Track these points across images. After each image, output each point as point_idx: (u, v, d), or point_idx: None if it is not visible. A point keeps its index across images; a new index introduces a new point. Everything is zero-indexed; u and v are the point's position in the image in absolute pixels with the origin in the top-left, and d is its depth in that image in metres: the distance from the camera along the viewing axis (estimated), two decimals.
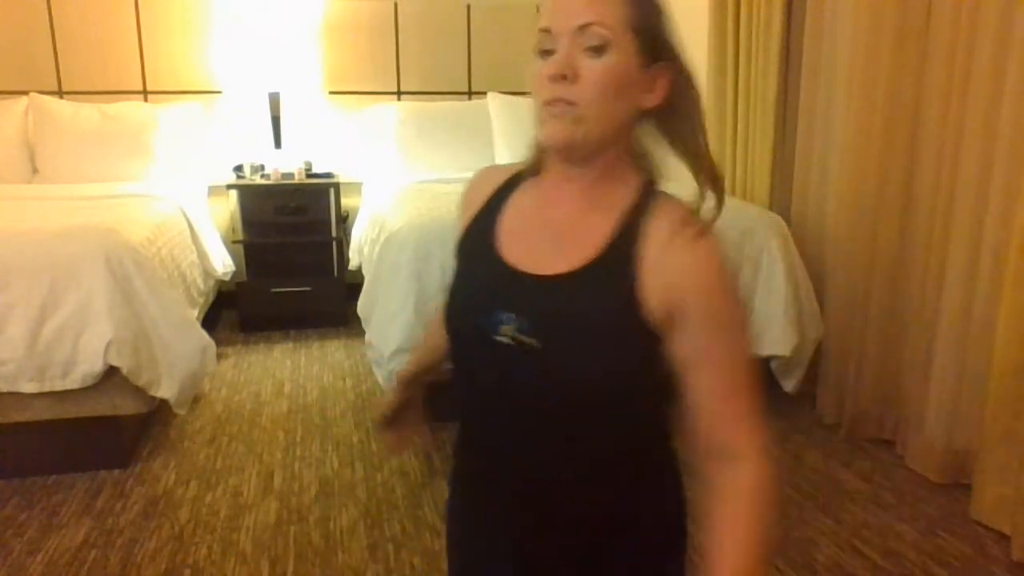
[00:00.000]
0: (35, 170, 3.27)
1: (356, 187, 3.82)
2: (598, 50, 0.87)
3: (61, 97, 3.46)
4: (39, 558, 1.76)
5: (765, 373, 2.54)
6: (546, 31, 0.89)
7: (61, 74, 3.48)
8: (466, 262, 1.01)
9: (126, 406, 2.12)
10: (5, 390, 2.01)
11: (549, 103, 0.89)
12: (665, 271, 0.89)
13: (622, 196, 0.95)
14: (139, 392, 2.12)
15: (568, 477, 0.95)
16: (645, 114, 0.94)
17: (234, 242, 3.51)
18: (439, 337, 1.09)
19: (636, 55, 0.89)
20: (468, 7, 3.85)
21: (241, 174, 3.60)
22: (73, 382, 2.02)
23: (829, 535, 1.85)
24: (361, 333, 2.68)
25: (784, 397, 2.56)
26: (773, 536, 0.99)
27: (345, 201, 3.79)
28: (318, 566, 1.73)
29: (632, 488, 1.00)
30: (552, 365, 0.88)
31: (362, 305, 2.53)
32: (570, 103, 0.88)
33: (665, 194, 0.95)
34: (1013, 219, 1.78)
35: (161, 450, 2.32)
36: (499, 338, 0.90)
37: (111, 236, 2.15)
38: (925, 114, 2.13)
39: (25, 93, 3.38)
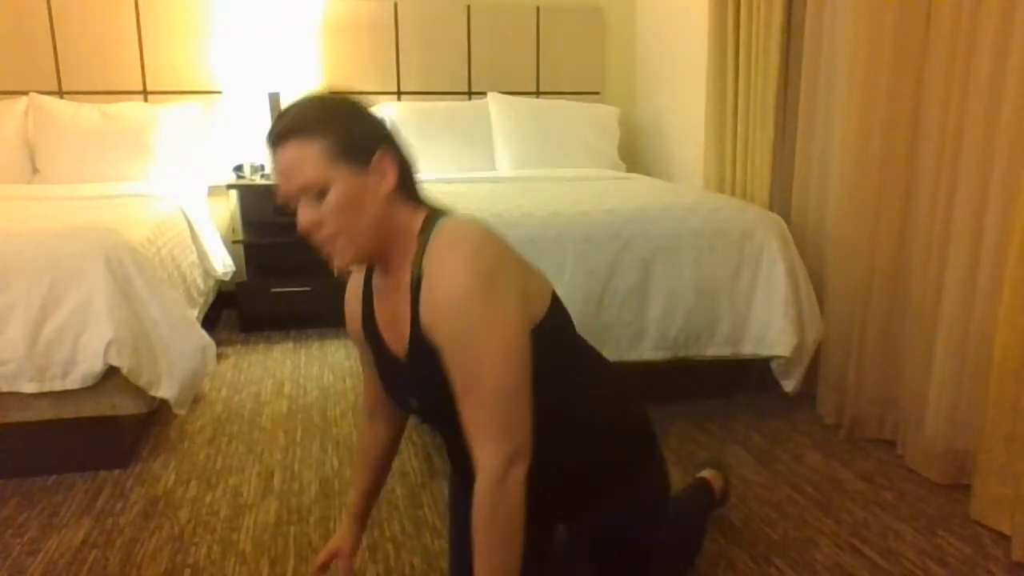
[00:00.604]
0: (35, 170, 3.27)
1: None
2: (321, 194, 1.06)
3: (61, 97, 3.46)
4: (39, 558, 1.76)
5: (765, 373, 2.54)
6: (283, 199, 1.09)
7: (61, 74, 3.48)
8: (373, 350, 1.27)
9: (126, 406, 2.12)
10: (5, 390, 2.01)
11: (321, 246, 1.11)
12: (428, 312, 1.08)
13: (410, 256, 1.13)
14: (139, 392, 2.12)
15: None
16: (392, 193, 1.12)
17: (234, 242, 3.51)
18: (373, 450, 1.42)
19: (351, 170, 1.07)
20: (468, 7, 3.85)
21: (241, 174, 3.60)
22: (73, 382, 2.02)
23: (829, 535, 1.85)
24: None
25: (784, 397, 2.57)
26: (507, 559, 1.09)
27: None
28: None
29: (565, 445, 1.25)
30: (445, 408, 1.13)
31: None
32: (332, 238, 1.09)
33: (440, 226, 1.11)
34: (1013, 219, 1.78)
35: (161, 450, 2.32)
36: (414, 409, 1.26)
37: (111, 236, 2.16)
38: (925, 114, 2.13)
39: (25, 93, 3.38)
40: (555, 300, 1.23)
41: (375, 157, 1.09)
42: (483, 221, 1.15)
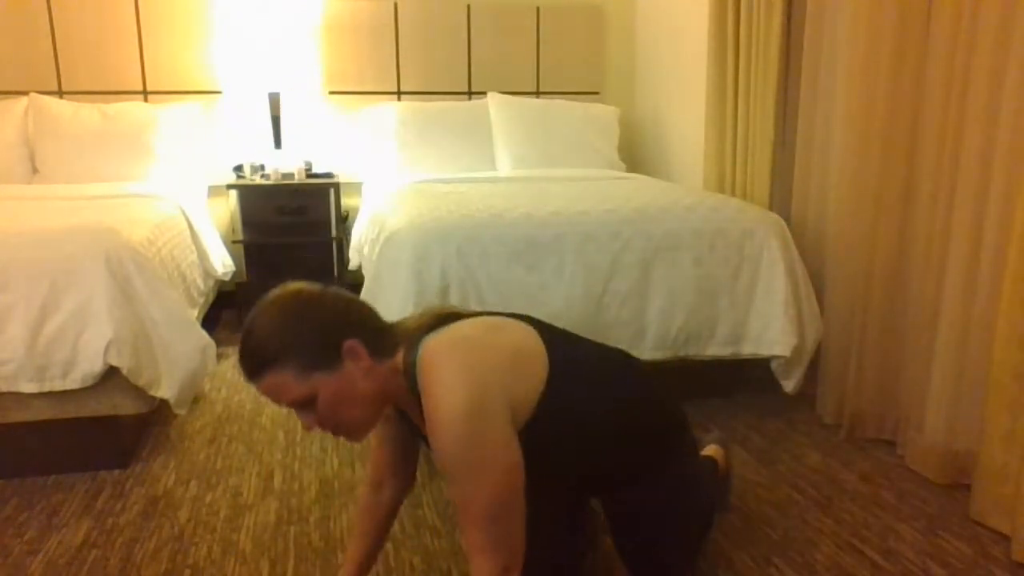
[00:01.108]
0: (35, 170, 3.27)
1: (356, 187, 3.83)
2: (308, 404, 1.16)
3: (61, 97, 3.46)
4: (39, 558, 1.76)
5: (765, 373, 2.54)
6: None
7: (61, 74, 3.48)
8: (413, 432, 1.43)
9: (126, 406, 2.12)
10: (5, 390, 2.01)
11: (334, 435, 1.23)
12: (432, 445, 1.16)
13: (406, 394, 1.23)
14: (139, 392, 2.12)
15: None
16: (369, 365, 1.19)
17: (234, 242, 3.51)
18: (374, 518, 1.46)
19: (327, 374, 1.15)
20: (468, 7, 3.85)
21: (241, 174, 3.60)
22: (73, 382, 2.02)
23: (829, 535, 1.85)
24: None
25: (784, 397, 2.57)
26: None
27: (345, 201, 3.79)
28: (318, 566, 1.73)
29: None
30: None
31: None
32: (337, 429, 1.20)
33: (420, 362, 1.19)
34: (1013, 219, 1.78)
35: (161, 450, 2.32)
36: None
37: (111, 236, 2.16)
38: (925, 114, 2.13)
39: (25, 93, 3.38)
40: (554, 365, 1.26)
41: (343, 349, 1.17)
42: (459, 334, 1.22)
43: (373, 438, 1.46)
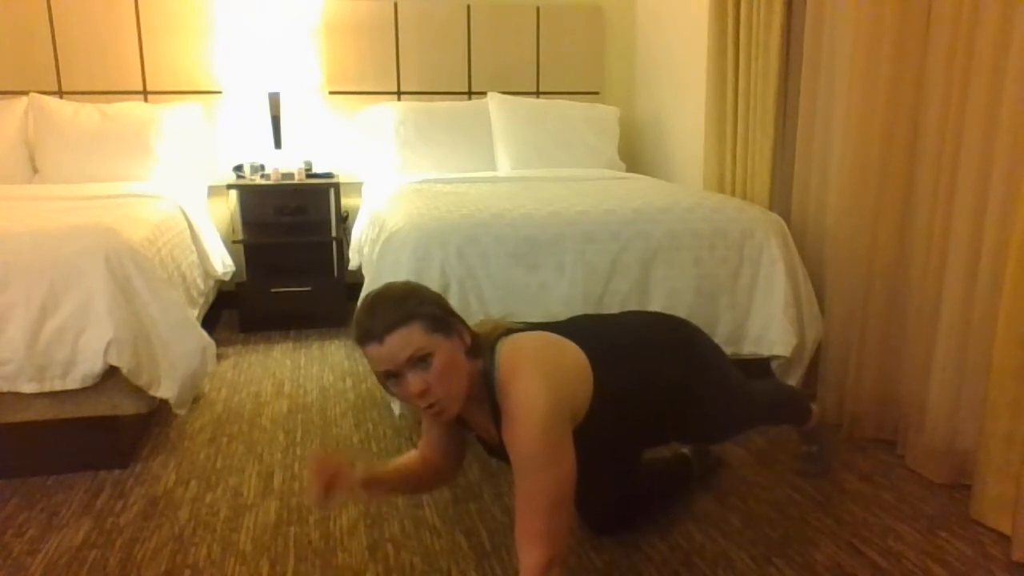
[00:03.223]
0: (35, 170, 3.27)
1: (356, 187, 3.83)
2: (425, 361, 1.29)
3: (61, 97, 3.46)
4: (39, 558, 1.76)
5: (765, 373, 2.54)
6: (388, 372, 1.31)
7: (61, 74, 3.49)
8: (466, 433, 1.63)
9: (126, 406, 2.12)
10: (5, 390, 2.01)
11: (426, 410, 1.34)
12: (507, 441, 1.33)
13: (483, 392, 1.39)
14: (139, 392, 2.12)
15: None
16: (466, 353, 1.36)
17: (234, 242, 3.51)
18: (410, 467, 1.59)
19: (446, 338, 1.31)
20: (468, 7, 3.85)
21: (241, 174, 3.60)
22: (73, 382, 2.02)
23: (829, 535, 1.85)
24: None
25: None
26: None
27: (345, 201, 3.79)
28: (318, 566, 1.73)
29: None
30: None
31: None
32: (440, 400, 1.32)
33: (499, 365, 1.36)
34: (1013, 219, 1.78)
35: (161, 450, 2.32)
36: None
37: (111, 236, 2.16)
38: (925, 114, 2.13)
39: (25, 93, 3.38)
40: (598, 376, 1.45)
41: (454, 326, 1.35)
42: (530, 346, 1.41)
43: (429, 430, 1.61)
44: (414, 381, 1.29)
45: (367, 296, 1.34)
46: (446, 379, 1.31)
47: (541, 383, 1.32)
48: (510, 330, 1.46)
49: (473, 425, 1.51)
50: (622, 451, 1.77)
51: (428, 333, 1.29)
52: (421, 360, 1.29)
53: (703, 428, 1.76)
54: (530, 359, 1.36)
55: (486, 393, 1.38)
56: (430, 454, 1.61)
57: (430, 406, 1.32)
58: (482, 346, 1.40)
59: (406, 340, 1.27)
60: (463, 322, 1.38)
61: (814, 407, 2.11)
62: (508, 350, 1.37)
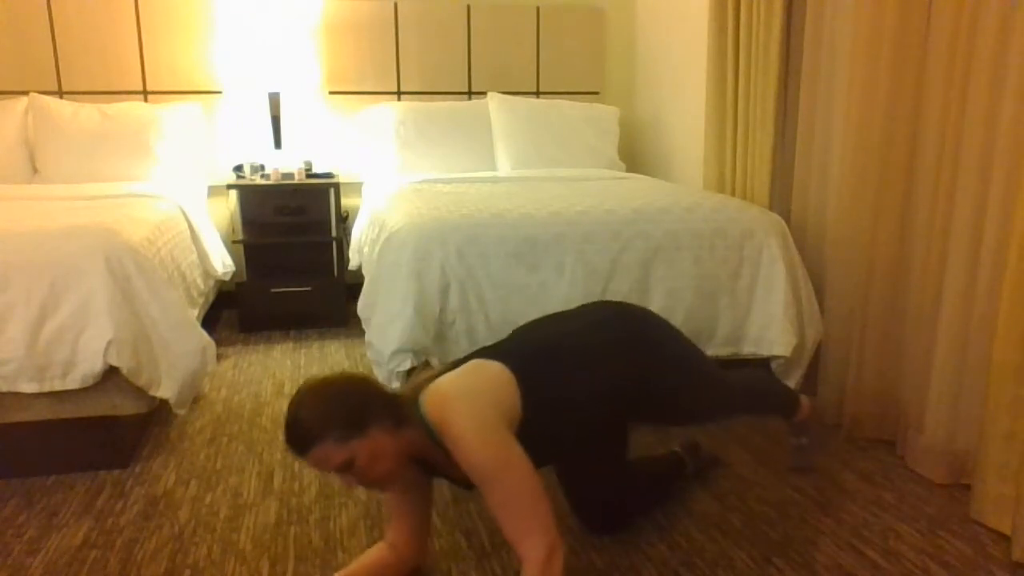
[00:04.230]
0: (35, 170, 3.27)
1: (356, 187, 3.83)
2: (348, 466, 1.40)
3: (61, 97, 3.46)
4: (39, 558, 1.76)
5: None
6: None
7: (61, 74, 3.49)
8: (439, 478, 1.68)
9: (126, 406, 2.12)
10: (5, 390, 2.01)
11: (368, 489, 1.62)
12: (463, 468, 1.40)
13: (426, 441, 1.47)
14: (139, 392, 2.12)
15: None
16: (392, 431, 1.45)
17: (234, 242, 3.51)
18: (378, 563, 1.62)
19: (361, 441, 1.39)
20: (468, 7, 3.85)
21: (241, 174, 3.60)
22: (73, 382, 2.02)
23: (829, 535, 1.85)
24: (361, 333, 2.68)
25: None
26: None
27: (345, 201, 3.79)
28: (318, 566, 1.73)
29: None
30: None
31: (362, 305, 2.53)
32: (372, 485, 1.46)
33: (425, 413, 1.45)
34: (1013, 219, 1.78)
35: (161, 450, 2.32)
36: None
37: (111, 236, 2.16)
38: (925, 114, 2.13)
39: (25, 93, 3.38)
40: (520, 378, 1.52)
41: (371, 424, 1.41)
42: (446, 381, 1.48)
43: (391, 506, 1.66)
44: (345, 480, 1.43)
45: (291, 406, 1.42)
46: (372, 471, 1.42)
47: (461, 404, 1.41)
48: (431, 378, 1.53)
49: (441, 472, 1.58)
50: (595, 447, 1.79)
51: (341, 444, 1.38)
52: (346, 466, 1.40)
53: (666, 413, 1.81)
54: (448, 394, 1.44)
55: (434, 443, 1.45)
56: (398, 539, 1.65)
57: (378, 488, 1.48)
58: (409, 410, 1.47)
59: (323, 457, 1.39)
60: (383, 403, 1.45)
61: (804, 398, 2.12)
62: (430, 400, 1.45)
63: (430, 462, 1.55)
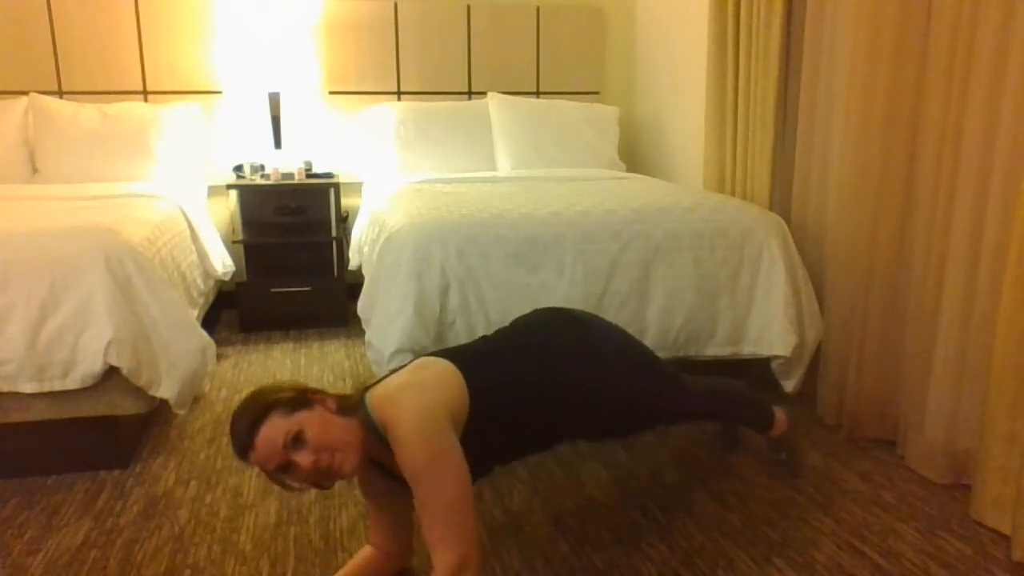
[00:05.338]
0: (35, 170, 3.27)
1: (356, 187, 3.83)
2: (298, 438, 1.37)
3: (61, 97, 3.46)
4: (39, 558, 1.76)
5: (765, 373, 2.54)
6: (278, 467, 1.39)
7: (61, 74, 3.48)
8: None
9: (126, 406, 2.12)
10: (5, 390, 2.01)
11: (328, 473, 1.41)
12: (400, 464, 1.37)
13: (369, 437, 1.45)
14: (139, 392, 2.12)
15: None
16: (335, 410, 1.45)
17: (234, 242, 3.51)
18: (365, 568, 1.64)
19: (308, 412, 1.40)
20: (468, 7, 3.85)
21: (241, 174, 3.60)
22: (73, 382, 2.02)
23: (829, 535, 1.85)
24: (361, 333, 2.68)
25: (784, 397, 2.56)
26: None
27: (345, 201, 3.79)
28: (318, 566, 1.73)
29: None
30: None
31: (362, 305, 2.53)
32: (332, 458, 1.39)
33: (371, 406, 1.44)
34: (1013, 219, 1.78)
35: (161, 450, 2.32)
36: None
37: (111, 236, 2.16)
38: (925, 114, 2.13)
39: (25, 93, 3.38)
40: (466, 373, 1.49)
41: (311, 398, 1.44)
42: (394, 378, 1.47)
43: (371, 509, 1.66)
44: (301, 459, 1.37)
45: (232, 416, 1.43)
46: (325, 441, 1.38)
47: (406, 397, 1.38)
48: (378, 382, 1.53)
49: (389, 465, 1.53)
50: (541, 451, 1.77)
51: (288, 415, 1.38)
52: (296, 440, 1.37)
53: (616, 413, 1.74)
54: (393, 389, 1.42)
55: (378, 439, 1.44)
56: (382, 541, 1.66)
57: (330, 473, 1.40)
58: (353, 403, 1.47)
59: (272, 430, 1.36)
60: (322, 391, 1.47)
61: (780, 414, 2.09)
62: (375, 394, 1.44)
63: (387, 465, 1.51)
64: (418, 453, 1.32)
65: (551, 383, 1.60)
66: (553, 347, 1.65)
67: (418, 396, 1.39)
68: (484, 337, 1.76)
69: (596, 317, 1.81)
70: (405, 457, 1.33)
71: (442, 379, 1.46)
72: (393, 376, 1.50)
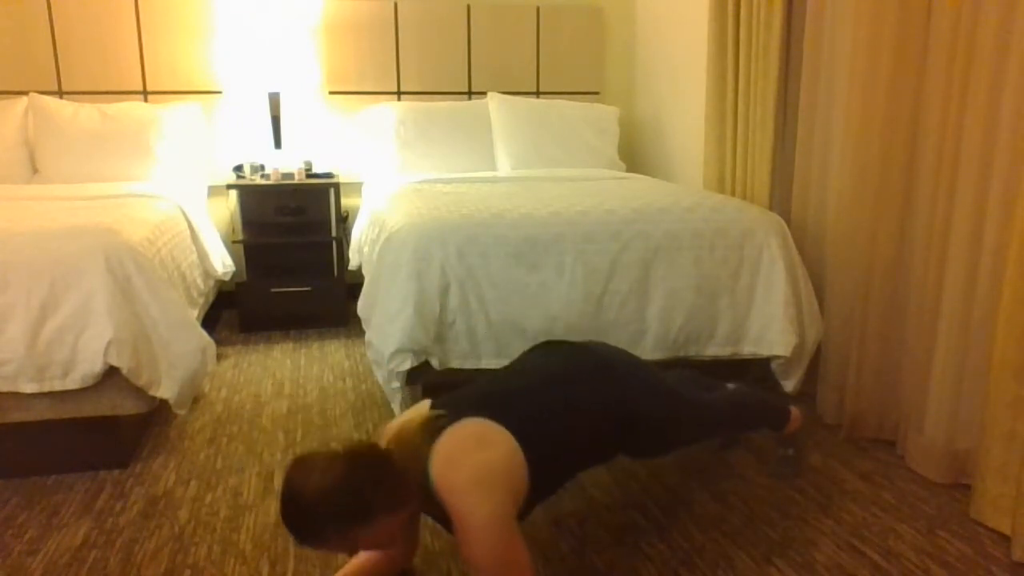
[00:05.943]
0: (35, 170, 3.27)
1: (356, 187, 3.83)
2: (351, 551, 1.43)
3: (61, 97, 3.46)
4: (39, 558, 1.76)
5: (765, 373, 2.54)
6: None
7: (61, 74, 3.48)
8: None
9: (126, 406, 2.12)
10: (5, 390, 2.01)
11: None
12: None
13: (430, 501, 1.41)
14: (139, 392, 2.12)
15: None
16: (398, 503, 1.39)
17: (234, 242, 3.51)
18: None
19: (364, 527, 1.33)
20: (468, 7, 3.85)
21: (241, 174, 3.60)
22: (73, 382, 2.02)
23: (829, 535, 1.85)
24: (361, 333, 2.68)
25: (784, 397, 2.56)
26: None
27: (345, 201, 3.79)
28: (318, 566, 1.73)
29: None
30: None
31: (362, 305, 2.53)
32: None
33: (439, 487, 1.38)
34: (1013, 219, 1.78)
35: (161, 450, 2.32)
36: None
37: (111, 236, 2.16)
38: (925, 114, 2.13)
39: (25, 93, 3.38)
40: (525, 448, 1.45)
41: (377, 513, 1.34)
42: (457, 449, 1.40)
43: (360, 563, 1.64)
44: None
45: (286, 483, 1.33)
46: (377, 546, 1.40)
47: (475, 499, 1.34)
48: (436, 426, 1.44)
49: (426, 512, 1.52)
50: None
51: (344, 535, 1.33)
52: (348, 551, 1.42)
53: (654, 444, 1.76)
54: (464, 474, 1.36)
55: (428, 498, 1.40)
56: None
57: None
58: (415, 481, 1.40)
59: (321, 546, 1.36)
60: (388, 490, 1.36)
61: (794, 410, 2.12)
62: (439, 464, 1.38)
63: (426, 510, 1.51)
64: (489, 559, 1.34)
65: (597, 434, 1.63)
66: (592, 393, 1.63)
67: (489, 499, 1.35)
68: (514, 372, 1.70)
69: (613, 350, 1.77)
70: (474, 558, 1.34)
71: (509, 469, 1.41)
72: (458, 442, 1.42)
